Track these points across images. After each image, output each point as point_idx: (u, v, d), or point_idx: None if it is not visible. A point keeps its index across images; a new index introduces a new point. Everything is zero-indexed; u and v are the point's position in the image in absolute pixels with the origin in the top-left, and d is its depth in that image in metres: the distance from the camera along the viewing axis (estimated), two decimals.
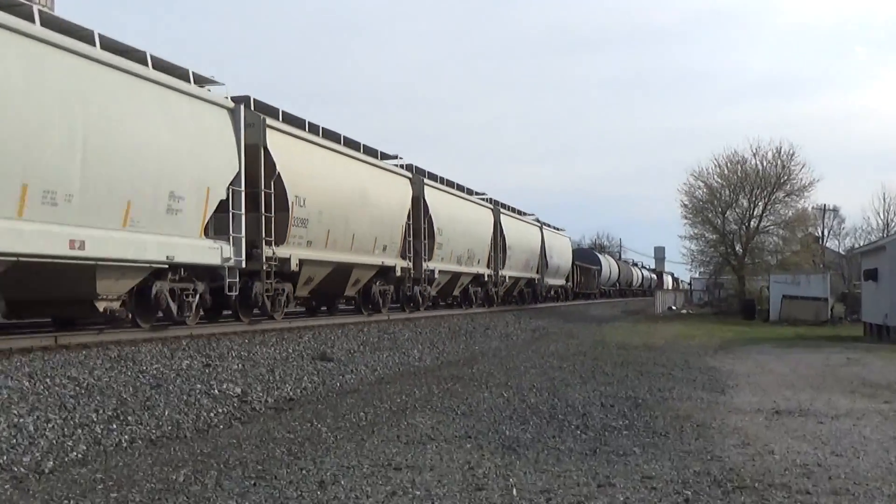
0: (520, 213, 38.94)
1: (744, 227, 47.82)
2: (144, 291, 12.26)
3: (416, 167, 24.92)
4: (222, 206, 12.78)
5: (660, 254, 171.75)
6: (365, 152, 20.26)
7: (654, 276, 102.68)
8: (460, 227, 27.09)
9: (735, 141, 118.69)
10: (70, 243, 10.30)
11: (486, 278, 31.63)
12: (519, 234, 35.98)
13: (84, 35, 10.91)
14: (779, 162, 46.84)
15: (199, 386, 10.36)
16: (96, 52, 10.85)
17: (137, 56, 11.98)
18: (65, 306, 11.56)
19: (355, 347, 16.18)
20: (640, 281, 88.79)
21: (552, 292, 46.78)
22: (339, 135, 19.13)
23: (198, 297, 12.78)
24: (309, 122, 17.84)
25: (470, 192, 31.91)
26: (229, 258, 13.60)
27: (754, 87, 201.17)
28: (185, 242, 12.66)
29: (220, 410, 9.63)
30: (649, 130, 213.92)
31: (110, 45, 11.35)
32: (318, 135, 17.87)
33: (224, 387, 10.53)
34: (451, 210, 26.53)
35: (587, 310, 46.40)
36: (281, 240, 15.93)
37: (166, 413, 9.04)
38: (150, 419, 8.69)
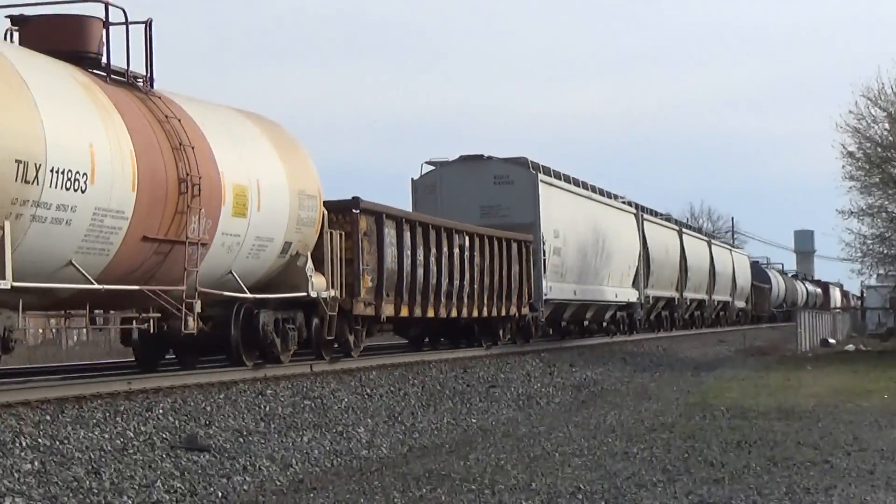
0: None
1: None
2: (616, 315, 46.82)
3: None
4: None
5: (804, 243, 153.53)
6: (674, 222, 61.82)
7: (818, 290, 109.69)
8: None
9: None
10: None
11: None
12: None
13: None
14: None
15: None
16: (618, 204, 50.08)
17: (618, 197, 50.48)
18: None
19: (251, 425, 15.67)
20: (804, 298, 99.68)
21: (737, 315, 73.50)
22: (655, 210, 56.77)
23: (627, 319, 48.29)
24: (647, 207, 53.81)
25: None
26: (639, 298, 48.77)
27: None
28: (629, 291, 47.96)
29: None
30: (777, 20, 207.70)
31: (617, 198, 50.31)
32: (651, 213, 54.02)
33: None
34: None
35: (676, 347, 45.83)
36: (647, 284, 49.84)
37: None
38: None
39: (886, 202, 47.77)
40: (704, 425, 19.31)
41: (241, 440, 14.95)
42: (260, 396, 17.84)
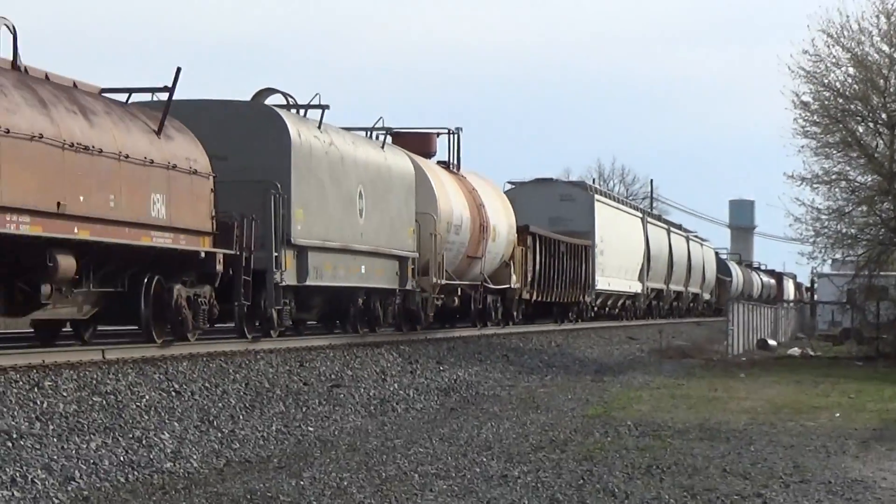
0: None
1: None
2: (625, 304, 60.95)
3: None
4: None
5: (742, 217, 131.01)
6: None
7: (772, 282, 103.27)
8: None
9: None
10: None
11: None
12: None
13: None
14: None
15: None
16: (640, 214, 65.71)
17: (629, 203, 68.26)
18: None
19: (23, 425, 14.65)
20: (759, 290, 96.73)
21: (702, 306, 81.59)
22: (652, 213, 76.82)
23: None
24: (647, 210, 73.84)
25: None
26: (642, 289, 63.54)
27: None
28: (636, 284, 62.79)
29: None
30: None
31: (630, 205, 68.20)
32: (650, 216, 69.09)
33: None
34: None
35: (573, 345, 41.83)
36: (647, 278, 63.60)
37: None
38: None
39: (847, 167, 40.64)
40: (606, 444, 17.74)
41: (10, 445, 13.65)
42: (36, 389, 15.98)
